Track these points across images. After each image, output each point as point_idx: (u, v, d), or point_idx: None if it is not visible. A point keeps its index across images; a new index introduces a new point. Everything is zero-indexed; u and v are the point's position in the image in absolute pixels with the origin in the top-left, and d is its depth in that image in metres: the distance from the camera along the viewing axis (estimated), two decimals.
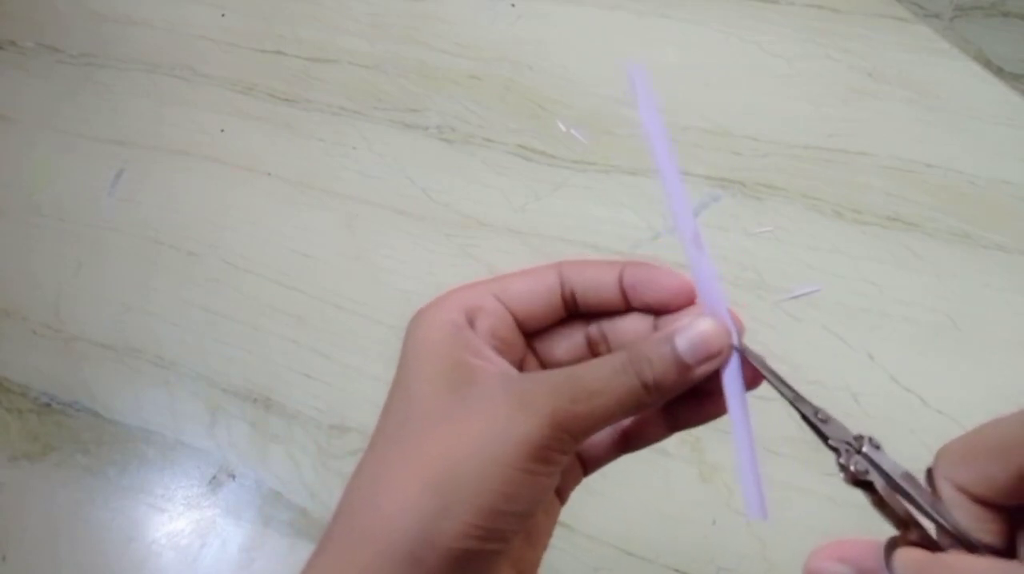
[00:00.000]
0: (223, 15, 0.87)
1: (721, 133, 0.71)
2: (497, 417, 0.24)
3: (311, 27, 0.85)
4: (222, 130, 0.80)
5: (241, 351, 0.67)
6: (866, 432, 0.24)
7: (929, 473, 0.22)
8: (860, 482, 0.23)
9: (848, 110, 0.70)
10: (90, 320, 0.71)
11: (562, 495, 0.30)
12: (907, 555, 0.21)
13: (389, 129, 0.77)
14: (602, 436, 0.30)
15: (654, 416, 0.29)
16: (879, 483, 0.23)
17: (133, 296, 0.72)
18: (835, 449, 0.24)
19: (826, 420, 0.25)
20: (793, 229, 0.66)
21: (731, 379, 0.26)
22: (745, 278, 0.64)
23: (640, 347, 0.26)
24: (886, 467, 0.23)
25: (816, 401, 0.25)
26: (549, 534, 0.29)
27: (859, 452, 0.24)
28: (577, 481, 0.30)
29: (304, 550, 0.59)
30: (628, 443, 0.30)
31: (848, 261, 0.64)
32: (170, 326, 0.70)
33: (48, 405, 0.68)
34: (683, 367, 0.25)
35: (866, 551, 0.22)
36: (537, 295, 0.28)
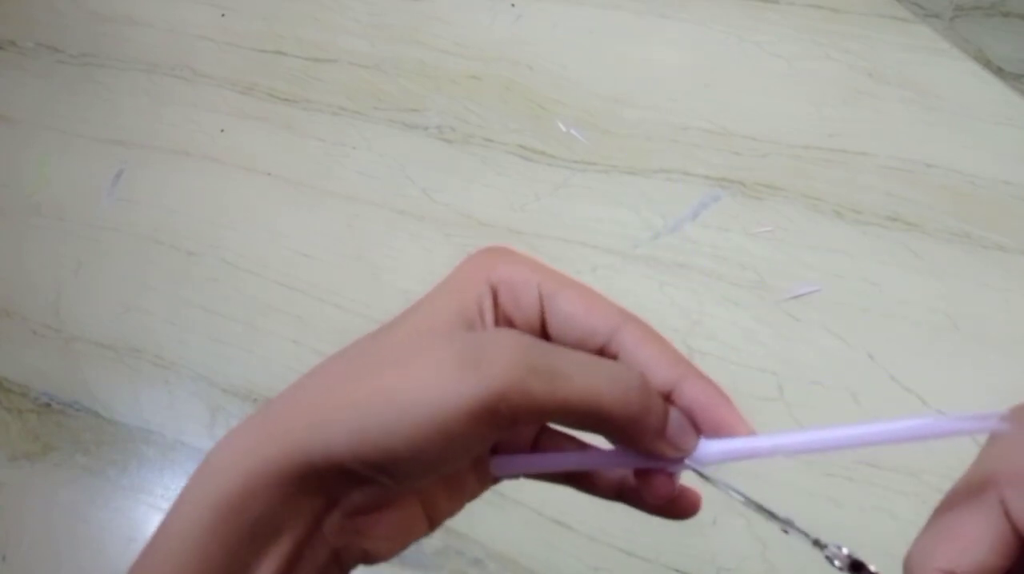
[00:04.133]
0: (223, 15, 0.87)
1: (721, 133, 0.71)
2: (443, 366, 0.22)
3: (311, 27, 0.85)
4: (222, 130, 0.80)
5: (241, 351, 0.67)
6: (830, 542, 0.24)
7: None
8: (856, 563, 0.23)
9: (848, 110, 0.70)
10: (90, 320, 0.71)
11: (485, 469, 0.29)
12: None
13: (389, 129, 0.77)
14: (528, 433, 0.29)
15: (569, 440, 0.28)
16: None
17: (133, 296, 0.72)
18: (819, 543, 0.24)
19: (788, 531, 0.24)
20: (793, 229, 0.66)
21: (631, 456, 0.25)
22: (745, 278, 0.64)
23: (636, 369, 0.24)
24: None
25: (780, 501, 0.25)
26: (470, 497, 0.29)
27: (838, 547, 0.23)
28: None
29: None
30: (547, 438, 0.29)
31: (848, 261, 0.64)
32: (170, 326, 0.70)
33: (48, 405, 0.68)
34: (658, 423, 0.24)
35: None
36: (582, 325, 0.25)
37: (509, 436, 0.28)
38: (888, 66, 0.71)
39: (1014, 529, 0.22)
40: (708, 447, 0.25)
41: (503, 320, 0.26)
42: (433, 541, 0.58)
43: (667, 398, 0.25)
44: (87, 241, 0.76)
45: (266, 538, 0.24)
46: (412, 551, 0.62)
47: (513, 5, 0.82)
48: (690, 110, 0.73)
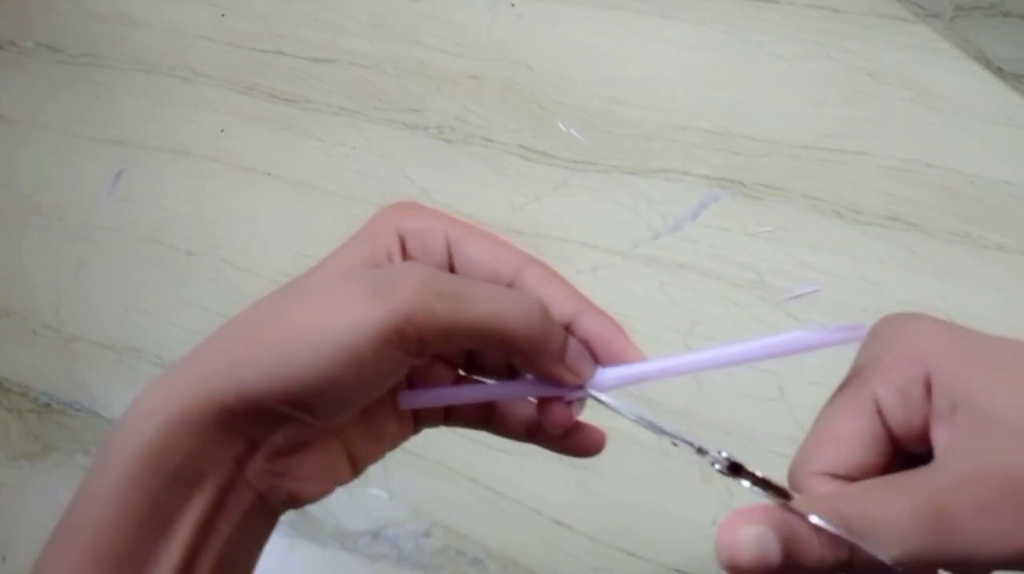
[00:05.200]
0: (223, 15, 0.87)
1: (721, 133, 0.71)
2: (351, 297, 0.23)
3: (311, 27, 0.85)
4: (222, 130, 0.80)
5: None
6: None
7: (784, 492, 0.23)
8: (735, 465, 0.25)
9: (848, 110, 0.70)
10: (90, 320, 0.71)
11: (408, 417, 0.29)
12: (816, 490, 0.24)
13: (389, 129, 0.77)
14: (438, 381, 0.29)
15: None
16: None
17: (133, 296, 0.72)
18: (702, 450, 0.25)
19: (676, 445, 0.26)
20: (793, 229, 0.66)
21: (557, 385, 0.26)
22: (745, 278, 0.64)
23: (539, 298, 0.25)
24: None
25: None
26: (389, 440, 0.29)
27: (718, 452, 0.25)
28: (435, 417, 0.30)
29: (304, 550, 0.59)
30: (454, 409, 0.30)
31: (848, 261, 0.64)
32: (170, 326, 0.70)
33: (48, 405, 0.68)
34: (558, 346, 0.25)
35: (770, 511, 0.23)
36: (487, 263, 0.26)
37: (424, 372, 0.29)
38: (888, 66, 0.71)
39: (885, 426, 0.23)
40: (604, 374, 0.26)
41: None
42: (433, 541, 0.58)
43: (568, 330, 0.26)
44: (87, 241, 0.75)
45: (188, 485, 0.24)
46: (412, 551, 0.62)
47: (513, 5, 0.82)
48: (690, 110, 0.73)
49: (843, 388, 0.25)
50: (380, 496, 0.59)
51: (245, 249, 0.72)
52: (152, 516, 0.23)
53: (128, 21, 0.89)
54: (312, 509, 0.60)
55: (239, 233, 0.73)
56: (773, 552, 0.21)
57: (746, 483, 0.24)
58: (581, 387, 0.26)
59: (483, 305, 0.23)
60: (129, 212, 0.76)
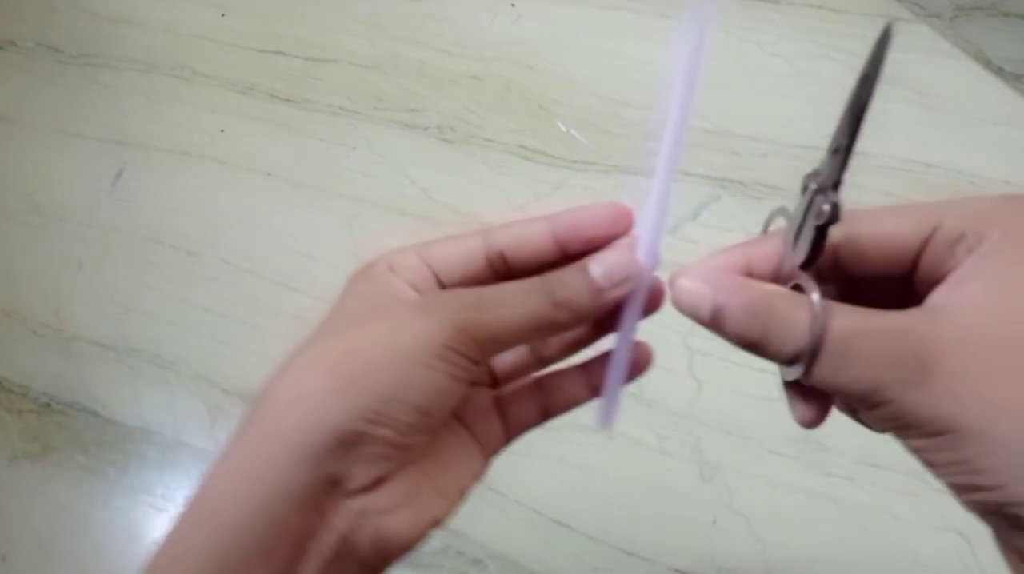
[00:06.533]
0: (223, 15, 0.87)
1: (721, 133, 0.71)
2: (402, 317, 0.25)
3: (311, 27, 0.84)
4: (222, 130, 0.80)
5: (241, 351, 0.67)
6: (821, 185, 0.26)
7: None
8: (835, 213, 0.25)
9: None
10: (90, 320, 0.71)
11: (482, 442, 0.29)
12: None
13: (389, 129, 0.77)
14: (520, 387, 0.30)
15: (571, 373, 0.30)
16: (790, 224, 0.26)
17: (133, 296, 0.72)
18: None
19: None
20: None
21: (632, 301, 0.27)
22: None
23: (555, 272, 0.26)
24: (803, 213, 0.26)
25: None
26: (466, 469, 0.29)
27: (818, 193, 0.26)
28: (498, 439, 0.30)
29: None
30: (548, 401, 0.30)
31: None
32: (170, 326, 0.70)
33: (48, 405, 0.68)
34: (594, 288, 0.26)
35: (727, 275, 0.25)
36: (457, 256, 0.28)
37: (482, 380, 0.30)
38: (888, 66, 0.71)
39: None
40: (641, 245, 0.28)
41: (408, 287, 0.28)
42: (433, 541, 0.58)
43: (559, 254, 0.28)
44: (87, 241, 0.75)
45: (270, 540, 0.23)
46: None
47: (513, 5, 0.82)
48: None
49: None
50: None
51: (245, 249, 0.72)
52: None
53: (128, 21, 0.89)
54: None
55: (239, 233, 0.73)
56: (705, 310, 0.25)
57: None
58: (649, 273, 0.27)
59: (514, 304, 0.25)
60: (129, 212, 0.76)
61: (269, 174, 0.76)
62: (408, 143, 0.76)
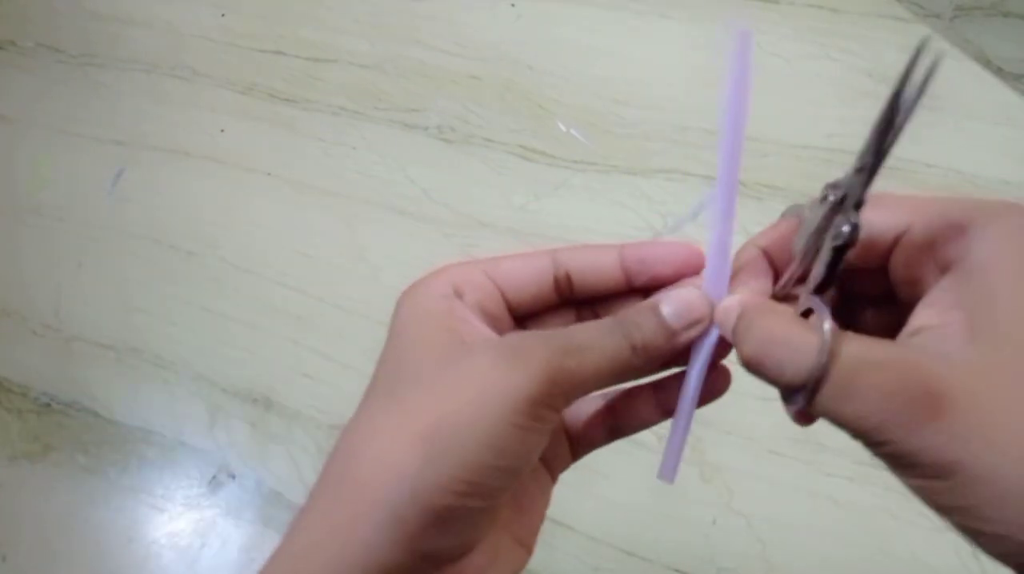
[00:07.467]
0: (223, 15, 0.87)
1: None
2: (490, 371, 0.23)
3: (311, 27, 0.84)
4: (222, 130, 0.80)
5: (241, 351, 0.67)
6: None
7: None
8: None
9: (848, 110, 0.70)
10: (90, 320, 0.71)
11: (552, 471, 0.29)
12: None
13: (389, 129, 0.77)
14: (592, 410, 0.30)
15: (643, 394, 0.29)
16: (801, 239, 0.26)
17: (133, 296, 0.72)
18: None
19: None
20: None
21: (703, 346, 0.27)
22: None
23: (627, 312, 0.26)
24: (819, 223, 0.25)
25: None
26: (542, 507, 0.29)
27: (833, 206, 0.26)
28: (566, 462, 0.30)
29: None
30: (618, 423, 0.30)
31: None
32: (170, 326, 0.70)
33: (48, 405, 0.68)
34: (668, 331, 0.26)
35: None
36: (527, 275, 0.28)
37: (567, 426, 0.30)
38: (888, 66, 0.71)
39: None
40: (710, 288, 0.27)
41: (476, 308, 0.27)
42: None
43: (625, 283, 0.28)
44: (87, 241, 0.75)
45: None
46: None
47: (513, 5, 0.82)
48: (690, 110, 0.73)
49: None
50: None
51: (245, 249, 0.72)
52: None
53: (128, 21, 0.89)
54: None
55: (239, 233, 0.73)
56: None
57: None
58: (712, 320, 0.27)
59: (601, 345, 0.25)
60: (129, 212, 0.76)
61: (269, 174, 0.76)
62: (408, 143, 0.76)
